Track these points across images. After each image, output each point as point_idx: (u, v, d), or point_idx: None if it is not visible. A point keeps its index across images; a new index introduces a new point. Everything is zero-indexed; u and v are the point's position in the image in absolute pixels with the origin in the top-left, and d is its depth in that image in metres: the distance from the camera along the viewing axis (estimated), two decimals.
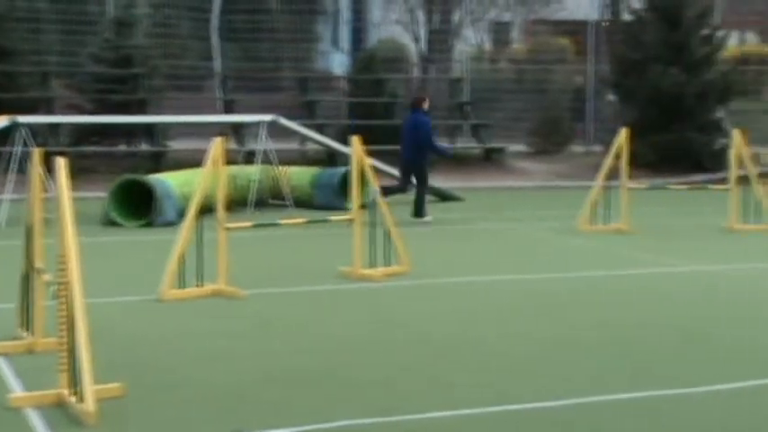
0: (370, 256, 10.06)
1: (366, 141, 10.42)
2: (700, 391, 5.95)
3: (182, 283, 8.74)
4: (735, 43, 27.72)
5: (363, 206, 10.30)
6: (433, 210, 16.00)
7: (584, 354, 6.88)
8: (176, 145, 21.51)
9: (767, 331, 7.72)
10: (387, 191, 12.65)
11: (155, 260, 9.72)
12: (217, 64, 25.47)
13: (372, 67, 23.94)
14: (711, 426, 5.35)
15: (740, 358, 6.80)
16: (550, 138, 25.32)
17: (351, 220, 10.15)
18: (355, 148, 10.03)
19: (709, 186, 18.19)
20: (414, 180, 14.92)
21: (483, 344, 7.19)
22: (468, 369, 6.43)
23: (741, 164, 14.31)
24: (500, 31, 31.05)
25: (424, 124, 14.81)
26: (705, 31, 23.62)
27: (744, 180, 14.36)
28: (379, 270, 10.03)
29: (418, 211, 14.87)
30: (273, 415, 5.40)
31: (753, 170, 14.45)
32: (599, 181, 14.02)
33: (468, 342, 7.22)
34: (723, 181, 17.33)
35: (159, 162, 20.12)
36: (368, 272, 9.95)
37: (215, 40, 25.63)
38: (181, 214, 11.74)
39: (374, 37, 28.50)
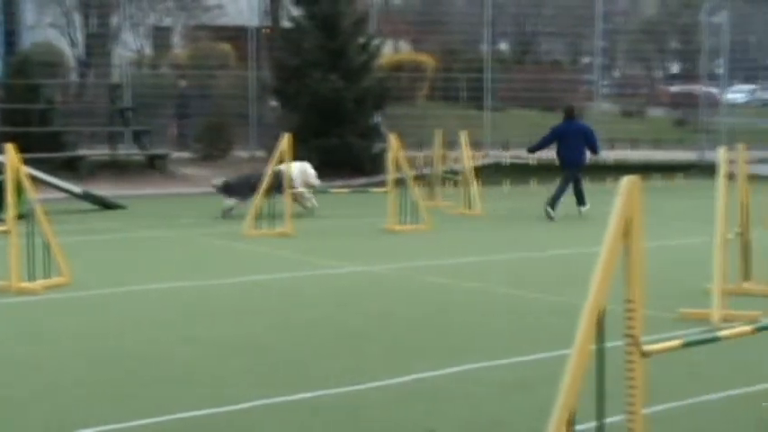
0: (29, 269, 9.69)
1: (22, 149, 10.03)
2: (361, 388, 6.22)
3: None
4: (389, 51, 28.99)
5: (21, 216, 9.90)
6: (96, 219, 15.62)
7: (254, 357, 7.00)
8: None
9: (422, 329, 8.17)
10: None
11: None
12: None
13: (26, 71, 22.99)
14: (370, 424, 5.61)
15: (394, 355, 7.16)
16: (214, 143, 25.35)
17: (6, 232, 9.72)
18: (9, 156, 9.62)
19: (370, 189, 18.96)
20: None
21: (144, 354, 7.13)
22: (127, 381, 6.37)
23: (398, 167, 15.03)
24: (160, 36, 30.71)
25: None
26: (362, 39, 24.50)
27: (401, 183, 15.10)
28: (39, 282, 9.68)
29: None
30: None
31: (409, 173, 15.22)
32: (263, 186, 14.24)
33: (128, 354, 7.13)
34: (382, 184, 18.12)
35: None
36: (26, 285, 9.58)
37: None
38: None
39: (28, 40, 27.32)
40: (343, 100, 23.15)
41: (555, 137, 17.15)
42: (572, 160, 17.07)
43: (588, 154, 17.19)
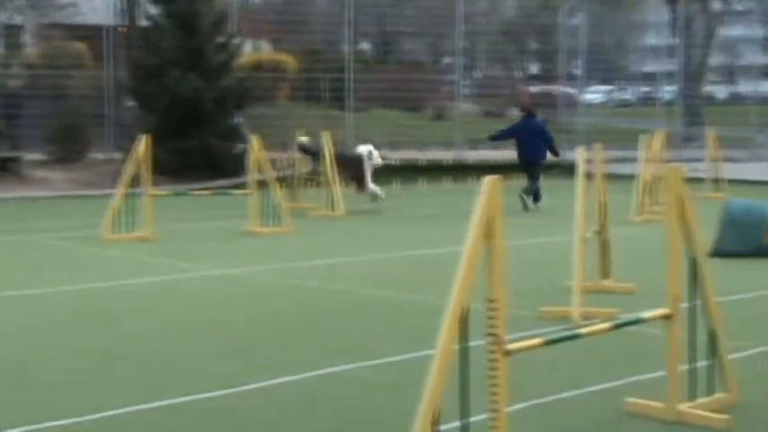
0: None
1: None
2: (232, 392, 6.18)
3: None
4: (249, 51, 28.81)
5: None
6: None
7: (129, 364, 6.88)
8: None
9: (289, 331, 8.16)
10: None
11: None
12: None
13: None
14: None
15: (264, 358, 7.14)
16: (69, 145, 24.74)
17: None
18: None
19: (230, 191, 18.80)
20: None
21: (10, 360, 6.93)
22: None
23: (260, 168, 14.95)
24: (11, 35, 29.81)
25: None
26: (221, 39, 24.28)
27: (263, 184, 15.02)
28: None
29: None
30: None
31: (270, 174, 15.15)
32: (120, 189, 13.98)
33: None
34: (243, 185, 17.99)
35: None
36: None
37: None
38: None
39: None
40: (203, 100, 22.90)
41: (513, 133, 17.70)
42: (528, 157, 17.55)
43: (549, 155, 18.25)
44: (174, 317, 8.59)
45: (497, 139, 18.87)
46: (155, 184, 14.77)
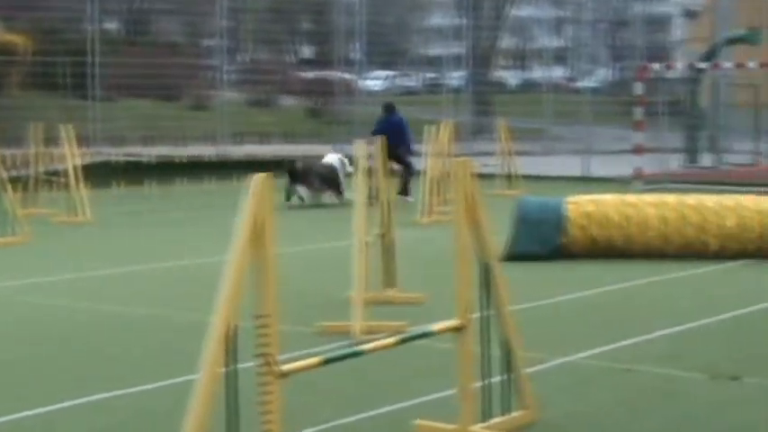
0: None
1: None
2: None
3: None
4: None
5: None
6: None
7: None
8: None
9: (29, 359, 7.92)
10: None
11: None
12: None
13: None
14: None
15: (18, 392, 6.92)
16: None
17: None
18: None
19: None
20: None
21: None
22: None
23: None
24: None
25: None
26: None
27: None
28: None
29: None
30: None
31: (1, 175, 14.64)
32: None
33: None
34: None
35: None
36: None
37: None
38: None
39: None
40: None
41: (375, 133, 18.08)
42: (391, 154, 17.91)
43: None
44: None
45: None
46: None
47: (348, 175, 18.60)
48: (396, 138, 18.58)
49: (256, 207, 4.30)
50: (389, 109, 20.28)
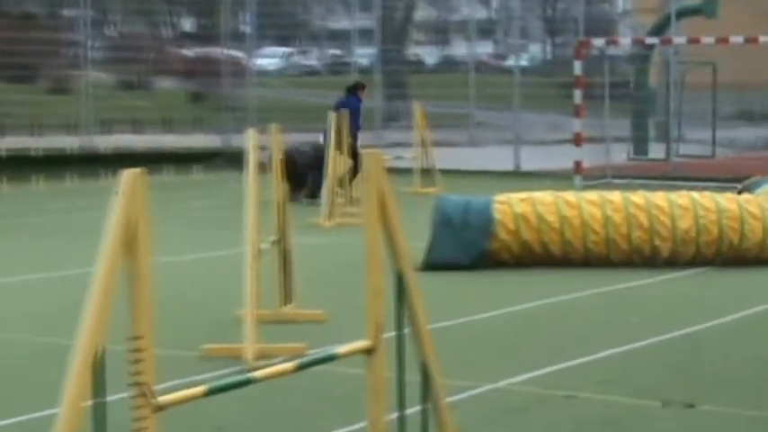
0: None
1: None
2: None
3: None
4: None
5: None
6: None
7: None
8: None
9: None
10: None
11: None
12: None
13: None
14: None
15: None
16: None
17: None
18: None
19: None
20: None
21: None
22: None
23: None
24: None
25: None
26: None
27: None
28: None
29: None
30: None
31: None
32: None
33: None
34: None
35: None
36: None
37: None
38: None
39: None
40: None
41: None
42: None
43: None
44: None
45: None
46: None
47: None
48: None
49: (128, 209, 4.28)
50: (351, 89, 20.58)
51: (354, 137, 19.59)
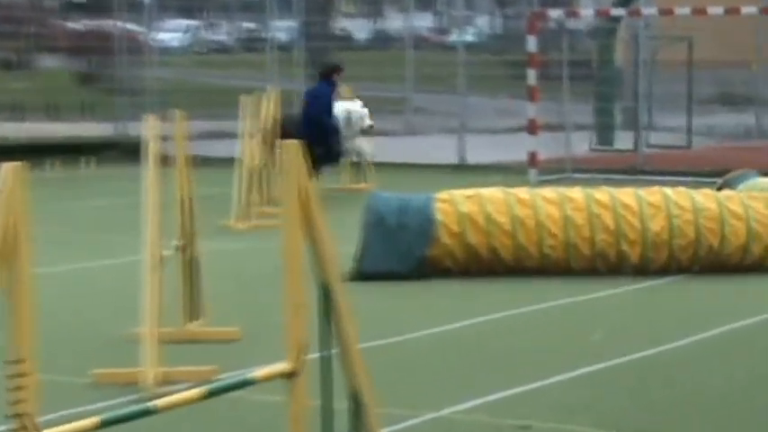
0: None
1: None
2: None
3: None
4: None
5: None
6: None
7: None
8: None
9: None
10: None
11: None
12: None
13: None
14: None
15: None
16: None
17: None
18: None
19: None
20: None
21: None
22: None
23: None
24: None
25: None
26: None
27: None
28: None
29: None
30: None
31: None
32: None
33: None
34: None
35: None
36: None
37: None
38: None
39: None
40: None
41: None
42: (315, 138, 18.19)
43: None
44: None
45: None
46: None
47: (362, 130, 19.66)
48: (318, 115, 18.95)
49: (6, 211, 4.27)
50: (325, 74, 20.32)
51: (329, 129, 19.40)
